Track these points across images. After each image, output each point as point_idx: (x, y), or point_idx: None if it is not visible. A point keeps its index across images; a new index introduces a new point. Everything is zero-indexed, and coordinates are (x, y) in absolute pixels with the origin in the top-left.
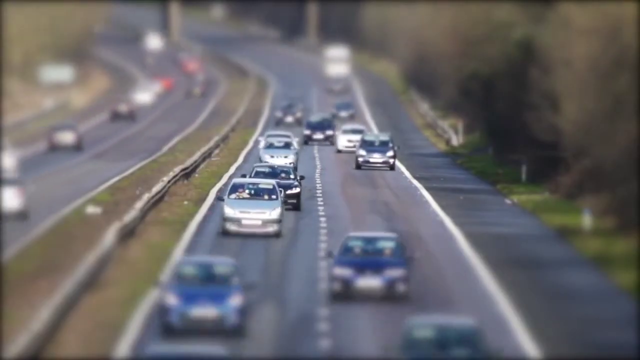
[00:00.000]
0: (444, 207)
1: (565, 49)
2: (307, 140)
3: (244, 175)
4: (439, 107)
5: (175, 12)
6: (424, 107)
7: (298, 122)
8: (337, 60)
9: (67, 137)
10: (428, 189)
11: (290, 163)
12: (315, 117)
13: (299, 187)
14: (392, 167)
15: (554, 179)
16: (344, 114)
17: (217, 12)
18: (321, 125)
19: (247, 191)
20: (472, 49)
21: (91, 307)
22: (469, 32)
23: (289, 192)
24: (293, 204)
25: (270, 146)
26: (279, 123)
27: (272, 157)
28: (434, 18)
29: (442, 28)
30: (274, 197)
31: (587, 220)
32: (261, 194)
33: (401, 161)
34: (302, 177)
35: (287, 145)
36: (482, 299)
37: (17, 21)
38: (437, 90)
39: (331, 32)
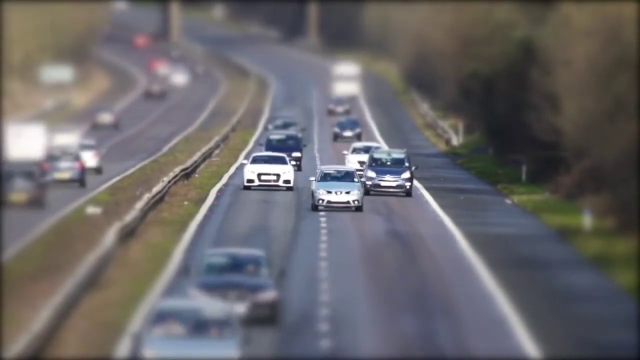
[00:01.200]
0: (444, 207)
1: (565, 49)
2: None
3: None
4: (439, 107)
5: (176, 12)
6: (424, 107)
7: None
8: (346, 79)
9: (106, 118)
10: (428, 189)
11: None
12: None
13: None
14: (408, 194)
15: (554, 179)
16: (348, 133)
17: (218, 12)
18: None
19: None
20: (473, 49)
21: (91, 307)
22: (469, 32)
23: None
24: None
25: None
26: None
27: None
28: (434, 18)
29: (442, 28)
30: (355, 180)
31: (587, 220)
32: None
33: None
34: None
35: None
36: (482, 299)
37: (17, 21)
38: (438, 90)
39: (331, 33)
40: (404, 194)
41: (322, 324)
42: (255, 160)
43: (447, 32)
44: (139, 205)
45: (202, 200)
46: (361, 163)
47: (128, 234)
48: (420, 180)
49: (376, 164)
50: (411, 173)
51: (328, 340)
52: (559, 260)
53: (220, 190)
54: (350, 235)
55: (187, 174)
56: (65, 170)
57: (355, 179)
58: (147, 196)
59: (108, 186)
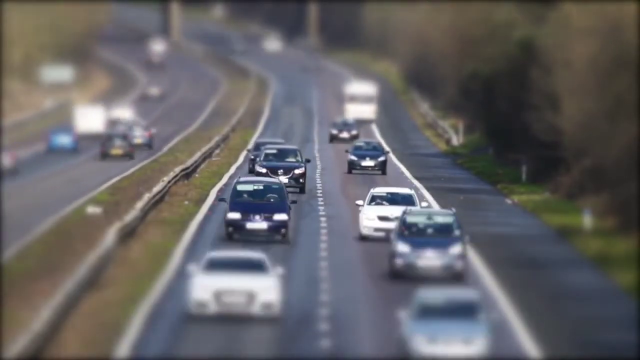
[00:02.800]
0: (444, 207)
1: (565, 49)
2: None
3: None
4: (439, 107)
5: (176, 12)
6: (425, 107)
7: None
8: (361, 100)
9: (154, 91)
10: (428, 188)
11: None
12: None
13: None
14: (458, 278)
15: (554, 179)
16: (368, 163)
17: (218, 12)
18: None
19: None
20: (473, 49)
21: (92, 307)
22: (469, 32)
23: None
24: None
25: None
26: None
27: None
28: (434, 18)
29: (442, 28)
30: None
31: (587, 220)
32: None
33: (401, 161)
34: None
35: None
36: (483, 299)
37: (17, 21)
38: (438, 90)
39: (332, 33)
40: (452, 279)
41: (322, 324)
42: (213, 266)
43: (447, 32)
44: (139, 205)
45: (203, 200)
46: (383, 219)
47: (128, 234)
48: (420, 180)
49: (410, 232)
50: (464, 244)
51: (328, 340)
52: (559, 260)
53: (221, 190)
54: (350, 235)
55: (188, 173)
56: (139, 137)
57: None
58: (147, 196)
59: (108, 186)
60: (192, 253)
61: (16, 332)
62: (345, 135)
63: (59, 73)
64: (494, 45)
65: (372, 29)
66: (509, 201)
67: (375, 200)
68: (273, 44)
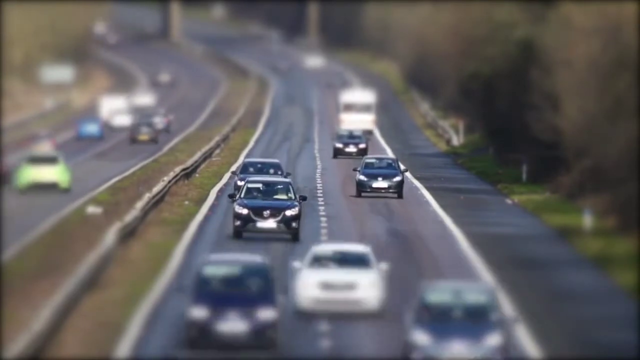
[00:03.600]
0: (444, 207)
1: (565, 49)
2: None
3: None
4: (439, 107)
5: (176, 12)
6: (425, 107)
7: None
8: (358, 109)
9: (165, 77)
10: (428, 188)
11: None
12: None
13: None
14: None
15: (554, 179)
16: (381, 184)
17: (218, 12)
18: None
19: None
20: (473, 49)
21: (92, 307)
22: (469, 32)
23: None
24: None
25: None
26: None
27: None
28: (434, 18)
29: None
30: None
31: (587, 220)
32: None
33: (402, 161)
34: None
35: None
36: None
37: (17, 21)
38: (438, 90)
39: (332, 32)
40: None
41: (322, 324)
42: (317, 261)
43: (448, 32)
44: (140, 205)
45: (203, 200)
46: (328, 287)
47: (128, 234)
48: (420, 180)
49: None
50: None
51: (328, 340)
52: (559, 260)
53: (221, 190)
54: (350, 235)
55: (188, 173)
56: (158, 123)
57: None
58: (147, 196)
59: (108, 186)
60: (192, 253)
61: (16, 332)
62: (352, 149)
63: (59, 73)
64: (494, 45)
65: (372, 29)
66: (509, 201)
67: (318, 261)
68: (314, 60)
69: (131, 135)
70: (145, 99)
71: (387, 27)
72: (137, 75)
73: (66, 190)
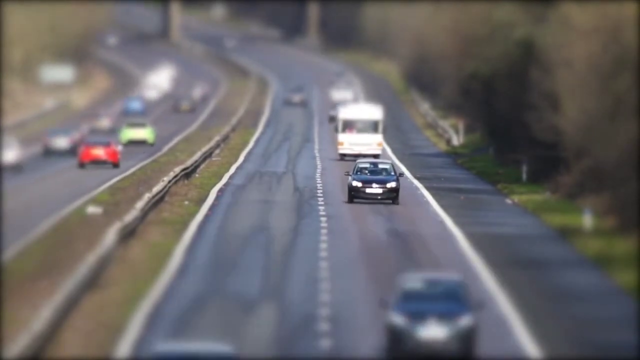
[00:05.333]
0: (444, 207)
1: (565, 49)
2: None
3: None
4: (439, 107)
5: (176, 12)
6: (425, 107)
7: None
8: (361, 128)
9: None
10: (429, 188)
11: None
12: None
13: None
14: None
15: (554, 179)
16: (375, 189)
17: (218, 12)
18: None
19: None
20: (473, 49)
21: (92, 307)
22: (469, 32)
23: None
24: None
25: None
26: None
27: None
28: (434, 18)
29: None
30: None
31: (587, 220)
32: None
33: (402, 161)
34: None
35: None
36: (483, 299)
37: (17, 21)
38: (438, 90)
39: (332, 32)
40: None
41: (322, 323)
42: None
43: (448, 32)
44: (140, 205)
45: (203, 200)
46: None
47: (128, 234)
48: (420, 180)
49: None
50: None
51: (328, 340)
52: (559, 260)
53: (221, 190)
54: (350, 235)
55: (188, 173)
56: (197, 94)
57: None
58: (147, 196)
59: (108, 186)
60: (192, 253)
61: (16, 332)
62: (376, 189)
63: (59, 73)
64: (494, 45)
65: (372, 29)
66: (509, 201)
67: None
68: (342, 93)
69: (174, 106)
70: (158, 77)
71: (387, 27)
72: (137, 76)
73: (152, 145)
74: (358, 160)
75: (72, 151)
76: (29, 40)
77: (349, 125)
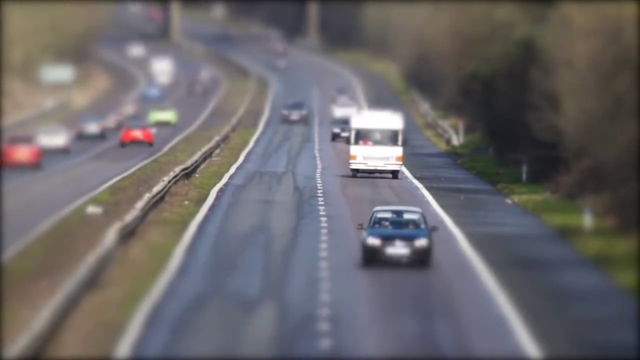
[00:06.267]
0: (444, 207)
1: (565, 49)
2: None
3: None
4: (439, 107)
5: (176, 12)
6: (425, 107)
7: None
8: (377, 140)
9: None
10: (429, 188)
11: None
12: None
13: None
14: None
15: (554, 179)
16: (398, 250)
17: (218, 11)
18: None
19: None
20: (473, 49)
21: (92, 307)
22: (469, 32)
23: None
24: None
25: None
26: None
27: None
28: (434, 18)
29: (442, 28)
30: None
31: (587, 220)
32: None
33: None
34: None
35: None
36: (483, 299)
37: (17, 21)
38: (438, 90)
39: (332, 32)
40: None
41: (322, 323)
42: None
43: (447, 32)
44: (140, 205)
45: (203, 200)
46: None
47: (128, 234)
48: (420, 180)
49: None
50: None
51: (328, 340)
52: (559, 260)
53: (221, 190)
54: (350, 235)
55: (188, 173)
56: (205, 76)
57: None
58: (147, 196)
59: (108, 186)
60: (192, 253)
61: (16, 332)
62: (401, 249)
63: (59, 73)
64: (494, 45)
65: (372, 29)
66: (509, 201)
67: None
68: (345, 110)
69: (188, 89)
70: (161, 65)
71: (387, 27)
72: (137, 76)
73: (174, 126)
74: (375, 209)
75: (101, 136)
76: (29, 40)
77: (363, 136)
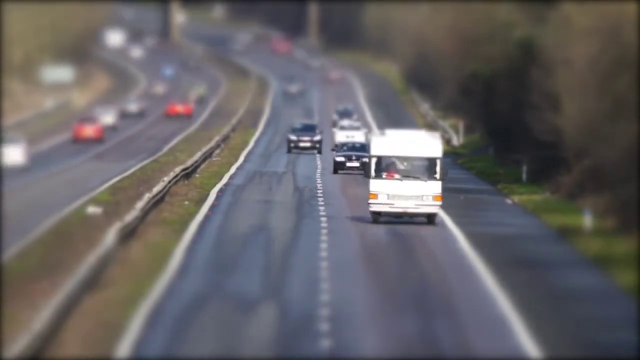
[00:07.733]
0: (444, 207)
1: (565, 49)
2: None
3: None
4: (439, 107)
5: (176, 12)
6: (425, 107)
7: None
8: (409, 172)
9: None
10: None
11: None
12: None
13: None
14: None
15: (554, 179)
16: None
17: (218, 12)
18: None
19: None
20: (473, 49)
21: (92, 307)
22: (469, 32)
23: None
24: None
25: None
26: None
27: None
28: (434, 18)
29: (442, 28)
30: None
31: (587, 220)
32: None
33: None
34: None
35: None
36: (483, 299)
37: (17, 21)
38: (438, 90)
39: (332, 33)
40: None
41: (322, 323)
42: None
43: (448, 32)
44: (140, 205)
45: (203, 200)
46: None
47: (128, 234)
48: None
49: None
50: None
51: (328, 340)
52: (559, 260)
53: (221, 190)
54: (350, 235)
55: (188, 173)
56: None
57: None
58: (147, 196)
59: (108, 186)
60: (192, 253)
61: (16, 332)
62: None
63: (59, 73)
64: (494, 45)
65: (373, 29)
66: (509, 201)
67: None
68: (351, 133)
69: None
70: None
71: (387, 27)
72: (136, 76)
73: (205, 97)
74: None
75: (140, 114)
76: (29, 40)
77: (388, 166)
